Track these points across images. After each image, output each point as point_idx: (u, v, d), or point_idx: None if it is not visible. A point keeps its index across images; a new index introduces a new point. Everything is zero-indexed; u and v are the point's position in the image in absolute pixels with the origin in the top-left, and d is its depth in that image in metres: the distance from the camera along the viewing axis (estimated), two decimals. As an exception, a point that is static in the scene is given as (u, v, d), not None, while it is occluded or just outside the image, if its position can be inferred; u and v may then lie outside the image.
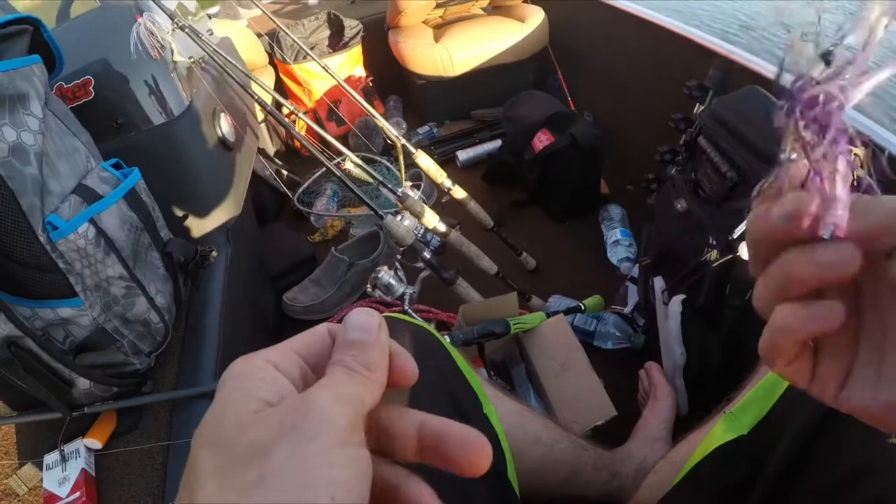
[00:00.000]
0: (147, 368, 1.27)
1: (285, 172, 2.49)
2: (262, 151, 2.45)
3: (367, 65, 2.99)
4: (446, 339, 0.91)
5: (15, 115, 0.99)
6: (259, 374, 0.32)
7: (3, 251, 0.98)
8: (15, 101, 1.00)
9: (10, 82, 1.00)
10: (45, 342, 1.05)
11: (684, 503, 0.80)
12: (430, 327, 0.91)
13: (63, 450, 1.17)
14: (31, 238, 0.99)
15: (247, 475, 0.27)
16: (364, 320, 0.36)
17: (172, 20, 1.53)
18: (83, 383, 1.13)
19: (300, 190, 2.31)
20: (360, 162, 1.70)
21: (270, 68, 2.83)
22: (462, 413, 0.81)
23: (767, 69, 1.64)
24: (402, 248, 1.61)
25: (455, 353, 0.89)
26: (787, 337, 0.34)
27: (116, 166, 1.26)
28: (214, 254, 1.47)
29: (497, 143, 2.59)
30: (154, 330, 1.25)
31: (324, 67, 2.08)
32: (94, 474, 1.17)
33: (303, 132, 2.21)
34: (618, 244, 2.00)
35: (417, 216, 1.63)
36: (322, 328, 0.37)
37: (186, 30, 1.53)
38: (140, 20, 1.48)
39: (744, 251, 1.19)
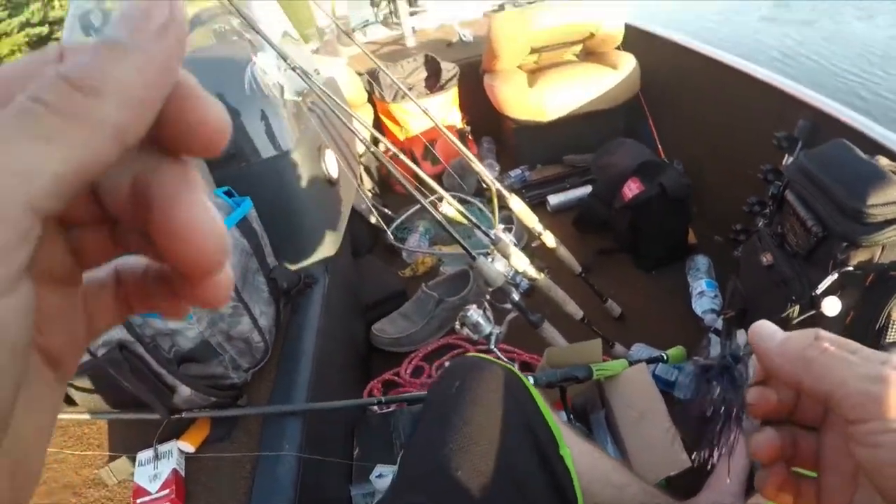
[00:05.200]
0: (243, 383, 1.34)
1: (381, 208, 2.56)
2: (359, 186, 2.54)
3: (463, 107, 3.05)
4: (530, 381, 0.97)
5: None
6: None
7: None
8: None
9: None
10: (153, 349, 1.14)
11: None
12: (515, 369, 0.97)
13: (157, 449, 1.24)
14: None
15: None
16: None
17: (286, 61, 1.62)
18: (184, 390, 1.20)
19: (394, 225, 2.38)
20: (456, 204, 1.76)
21: (369, 106, 2.91)
22: (542, 451, 0.86)
23: (857, 120, 1.65)
24: (490, 289, 1.64)
25: (537, 395, 0.94)
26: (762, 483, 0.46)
27: (228, 194, 1.36)
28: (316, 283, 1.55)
29: (587, 189, 2.62)
30: (255, 348, 1.33)
31: (424, 111, 2.16)
32: (183, 475, 1.24)
33: (399, 170, 2.29)
34: (703, 295, 2.00)
35: (508, 259, 1.67)
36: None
37: (298, 70, 1.62)
38: (256, 60, 1.59)
39: (827, 307, 1.20)
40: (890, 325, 1.16)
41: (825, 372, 0.39)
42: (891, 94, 6.21)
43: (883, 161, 1.30)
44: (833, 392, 0.38)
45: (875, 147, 1.54)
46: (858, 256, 1.21)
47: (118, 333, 1.10)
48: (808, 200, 1.32)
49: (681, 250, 2.26)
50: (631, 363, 1.55)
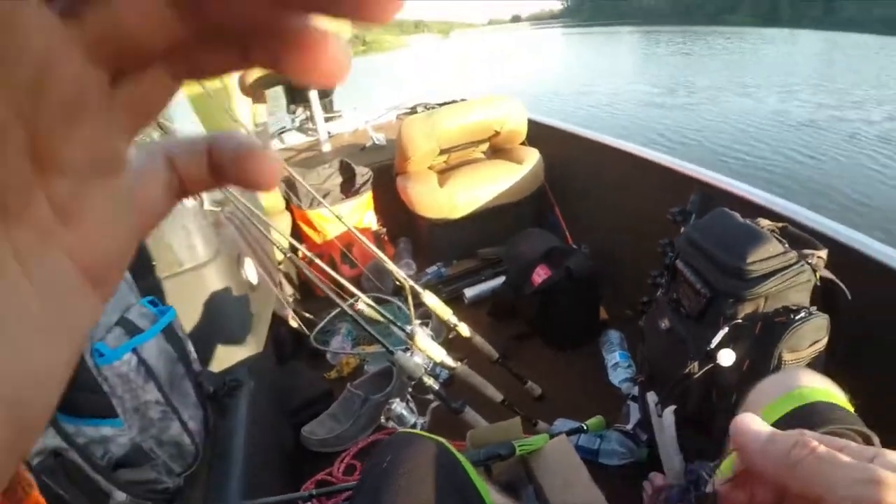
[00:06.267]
0: (177, 489, 1.35)
1: (302, 313, 2.60)
2: (279, 292, 2.59)
3: (378, 209, 3.12)
4: (462, 455, 1.00)
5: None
6: None
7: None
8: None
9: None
10: (87, 456, 1.14)
11: None
12: (447, 443, 1.00)
13: (95, 560, 1.21)
14: (80, 362, 1.12)
15: None
16: None
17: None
18: (119, 495, 1.20)
19: (316, 329, 2.42)
20: (371, 302, 1.82)
21: (287, 213, 2.95)
22: None
23: (740, 188, 1.82)
24: (413, 382, 1.69)
25: (468, 465, 0.97)
26: None
27: (152, 303, 1.40)
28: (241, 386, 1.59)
29: (501, 279, 2.71)
30: (185, 452, 1.35)
31: (337, 217, 2.23)
32: (121, 581, 1.22)
33: (317, 275, 2.35)
34: (617, 367, 2.11)
35: (426, 351, 1.73)
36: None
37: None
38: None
39: (722, 359, 1.30)
40: (782, 366, 1.26)
41: (813, 475, 0.37)
42: (769, 158, 6.85)
43: (764, 222, 1.43)
44: (823, 497, 0.36)
45: (756, 210, 1.69)
46: (745, 309, 1.32)
47: (52, 441, 1.11)
48: (695, 266, 1.44)
49: (593, 327, 2.36)
50: (552, 436, 1.60)
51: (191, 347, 1.46)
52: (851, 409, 0.83)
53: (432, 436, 1.00)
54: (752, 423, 0.42)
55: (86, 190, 0.20)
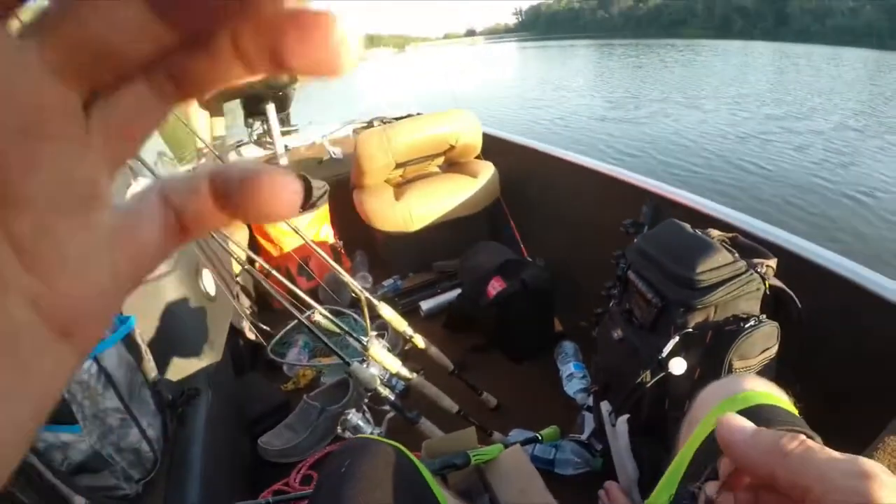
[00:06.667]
0: (136, 495, 1.34)
1: (259, 325, 2.59)
2: (237, 305, 2.58)
3: (334, 222, 3.12)
4: (418, 460, 1.01)
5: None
6: None
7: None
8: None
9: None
10: (47, 461, 1.13)
11: None
12: (404, 448, 1.00)
13: (50, 562, 1.20)
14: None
15: None
16: None
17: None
18: (79, 501, 1.20)
19: (273, 341, 2.41)
20: (328, 314, 1.83)
21: (244, 225, 2.94)
22: None
23: (690, 199, 1.86)
24: (369, 393, 1.70)
25: (424, 470, 0.99)
26: None
27: None
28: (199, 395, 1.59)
29: (457, 292, 2.72)
30: (144, 458, 1.35)
31: (294, 230, 2.24)
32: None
33: (274, 287, 2.34)
34: (572, 377, 2.12)
35: (382, 363, 1.75)
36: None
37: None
38: (134, 184, 1.65)
39: (674, 367, 1.32)
40: (733, 372, 1.29)
41: (803, 465, 0.38)
42: (720, 169, 7.03)
43: (714, 232, 1.46)
44: (812, 487, 0.37)
45: (707, 220, 1.73)
46: (696, 318, 1.34)
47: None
48: (646, 276, 1.46)
49: (548, 339, 2.38)
50: (507, 446, 1.61)
51: (150, 356, 1.46)
52: (796, 412, 0.85)
53: (389, 441, 1.01)
54: (737, 420, 0.43)
55: (54, 229, 0.17)
